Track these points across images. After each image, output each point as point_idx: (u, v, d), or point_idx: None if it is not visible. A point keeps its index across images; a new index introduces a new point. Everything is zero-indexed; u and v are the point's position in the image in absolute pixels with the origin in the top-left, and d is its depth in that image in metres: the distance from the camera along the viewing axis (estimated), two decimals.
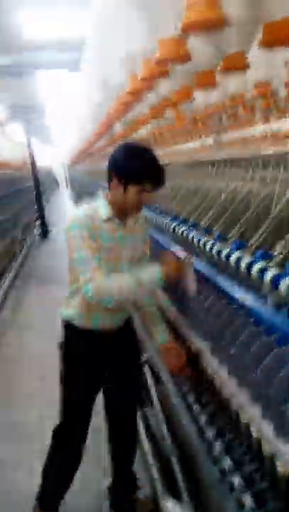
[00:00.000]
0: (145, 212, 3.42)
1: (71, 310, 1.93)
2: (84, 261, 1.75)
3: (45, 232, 10.69)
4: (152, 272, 1.81)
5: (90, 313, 1.90)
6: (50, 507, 2.09)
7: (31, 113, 17.99)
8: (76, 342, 1.94)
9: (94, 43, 3.13)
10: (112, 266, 1.83)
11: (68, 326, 1.96)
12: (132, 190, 1.75)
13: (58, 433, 2.05)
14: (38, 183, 11.21)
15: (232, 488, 1.62)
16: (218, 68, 1.65)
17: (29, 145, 10.91)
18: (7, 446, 2.87)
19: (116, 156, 1.81)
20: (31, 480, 2.55)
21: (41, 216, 10.97)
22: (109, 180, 1.82)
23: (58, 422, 2.05)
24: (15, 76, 10.77)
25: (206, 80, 1.78)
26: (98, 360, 1.95)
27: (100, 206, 1.83)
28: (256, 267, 1.49)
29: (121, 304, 1.85)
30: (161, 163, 1.81)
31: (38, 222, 11.18)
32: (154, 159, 1.79)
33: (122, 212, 1.84)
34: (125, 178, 1.75)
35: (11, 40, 9.54)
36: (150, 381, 2.90)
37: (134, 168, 1.74)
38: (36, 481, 2.50)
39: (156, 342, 2.06)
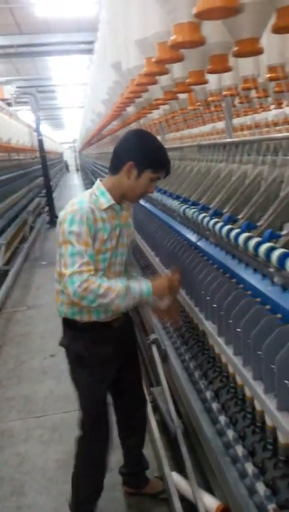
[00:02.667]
0: (155, 195, 3.49)
1: (69, 306, 1.83)
2: (76, 254, 1.67)
3: (53, 220, 9.87)
4: (143, 286, 1.78)
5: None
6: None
7: (43, 98, 17.93)
8: (82, 339, 1.86)
9: (107, 25, 3.13)
10: (109, 254, 1.81)
11: (70, 324, 1.88)
12: (146, 177, 1.76)
13: (82, 437, 1.97)
14: (47, 168, 10.59)
15: (235, 459, 1.70)
16: (231, 53, 1.67)
17: (38, 128, 10.19)
18: (18, 419, 2.99)
19: (132, 142, 1.80)
20: (41, 449, 2.69)
21: (49, 203, 10.50)
22: (118, 166, 1.77)
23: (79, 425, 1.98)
24: (27, 57, 10.72)
25: (220, 64, 1.80)
26: (107, 352, 1.87)
27: (100, 195, 1.78)
28: (263, 247, 1.53)
29: (103, 307, 1.72)
30: (162, 147, 1.85)
31: (46, 209, 10.70)
32: (164, 149, 1.85)
33: (122, 200, 1.84)
34: (143, 164, 1.74)
35: (23, 20, 9.49)
36: (157, 360, 2.98)
37: (152, 157, 1.77)
38: (45, 452, 2.64)
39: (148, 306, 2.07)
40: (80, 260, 1.67)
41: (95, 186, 1.84)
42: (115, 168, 1.80)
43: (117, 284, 1.70)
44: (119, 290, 1.69)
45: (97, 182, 1.85)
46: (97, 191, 1.80)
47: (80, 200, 1.77)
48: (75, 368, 1.93)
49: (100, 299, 1.67)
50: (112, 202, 1.79)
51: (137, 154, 1.75)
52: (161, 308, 1.96)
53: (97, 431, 1.98)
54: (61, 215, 1.76)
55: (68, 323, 1.89)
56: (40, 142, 10.19)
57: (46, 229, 9.83)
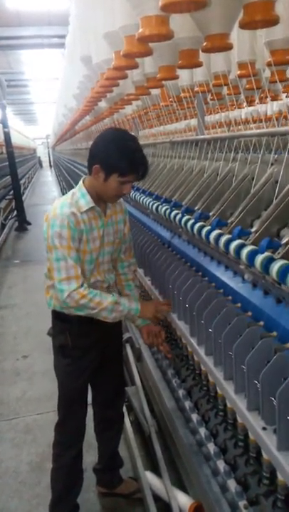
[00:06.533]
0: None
1: (58, 301, 1.82)
2: (61, 259, 1.69)
3: (22, 225, 9.08)
4: (132, 305, 1.82)
5: None
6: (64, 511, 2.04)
7: (16, 92, 17.58)
8: (68, 331, 1.86)
9: (77, 18, 3.08)
10: (95, 254, 1.81)
11: (59, 316, 1.89)
12: (114, 181, 1.71)
13: (58, 423, 1.99)
14: (15, 165, 9.18)
15: (207, 456, 1.70)
16: (201, 48, 1.66)
17: (4, 119, 8.81)
18: None
19: (99, 144, 1.72)
20: (13, 452, 2.63)
21: (18, 206, 9.16)
22: (89, 167, 1.74)
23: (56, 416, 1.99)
24: None
25: (190, 59, 1.79)
26: (92, 346, 1.89)
27: (80, 197, 1.76)
28: (233, 245, 1.53)
29: (90, 315, 1.76)
30: (144, 153, 1.75)
31: (14, 213, 9.17)
32: (138, 151, 1.71)
33: (101, 201, 1.80)
34: (108, 169, 1.68)
35: None
36: (131, 359, 2.96)
37: (117, 161, 1.66)
38: (17, 455, 2.59)
39: (136, 323, 2.07)
40: (64, 265, 1.69)
41: (77, 187, 1.82)
42: (88, 169, 1.78)
43: (107, 299, 1.74)
44: (108, 304, 1.73)
45: (80, 182, 1.82)
46: (78, 193, 1.78)
47: (61, 203, 1.76)
48: (57, 357, 1.94)
49: (89, 310, 1.73)
50: (92, 204, 1.76)
51: (102, 158, 1.69)
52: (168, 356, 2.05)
53: (73, 418, 1.98)
54: (46, 218, 1.75)
55: (57, 315, 1.91)
56: (7, 135, 8.82)
57: (15, 236, 8.79)
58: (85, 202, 1.76)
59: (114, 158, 1.66)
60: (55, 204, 1.77)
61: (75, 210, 1.73)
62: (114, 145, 1.68)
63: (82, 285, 1.70)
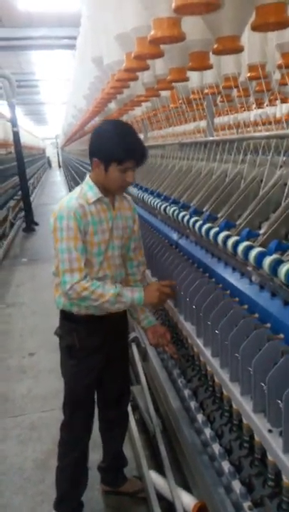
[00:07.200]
0: (136, 192, 3.48)
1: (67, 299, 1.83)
2: (65, 250, 1.71)
3: (30, 226, 9.05)
4: (135, 295, 1.81)
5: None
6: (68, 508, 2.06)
7: (26, 92, 17.66)
8: (76, 331, 1.87)
9: (88, 19, 3.10)
10: (104, 247, 1.82)
11: (66, 317, 1.89)
12: (114, 170, 1.73)
13: (64, 423, 2.00)
14: (23, 165, 9.15)
15: (212, 457, 1.70)
16: (212, 50, 1.66)
17: (13, 118, 8.69)
18: None
19: (93, 139, 1.76)
20: (19, 449, 2.65)
21: (26, 207, 9.11)
22: (90, 162, 1.78)
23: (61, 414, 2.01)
24: (8, 51, 10.48)
25: (200, 61, 1.80)
26: (99, 346, 1.90)
27: (88, 190, 1.79)
28: (241, 246, 1.53)
29: (93, 306, 1.78)
30: (139, 137, 1.77)
31: (22, 214, 9.06)
32: (131, 136, 1.73)
33: (108, 192, 1.82)
34: (105, 160, 1.71)
35: (5, 12, 9.32)
36: (137, 358, 2.97)
37: (112, 149, 1.69)
38: (24, 451, 2.61)
39: (142, 324, 2.08)
40: (68, 257, 1.71)
41: (84, 180, 1.85)
42: (90, 164, 1.81)
43: (109, 292, 1.75)
44: (110, 297, 1.74)
45: (87, 176, 1.85)
46: (85, 186, 1.82)
47: (69, 197, 1.80)
48: (64, 357, 1.95)
49: (90, 301, 1.75)
50: (100, 195, 1.79)
51: (98, 150, 1.73)
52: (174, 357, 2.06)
53: (79, 418, 1.98)
54: (52, 212, 1.78)
55: (65, 315, 1.91)
56: (16, 135, 8.74)
57: (23, 236, 8.84)
58: (93, 193, 1.79)
59: (107, 147, 1.70)
60: (63, 199, 1.81)
61: (83, 202, 1.76)
62: (106, 135, 1.72)
63: (85, 277, 1.72)
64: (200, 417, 1.85)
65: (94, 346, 1.89)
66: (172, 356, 2.15)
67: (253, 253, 1.45)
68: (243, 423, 1.53)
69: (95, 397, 2.07)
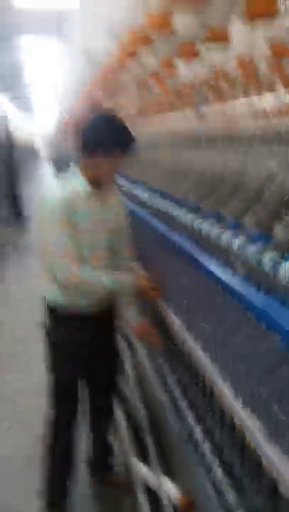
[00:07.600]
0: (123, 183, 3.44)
1: (55, 291, 1.85)
2: (58, 243, 1.72)
3: (18, 217, 8.85)
4: (127, 280, 1.86)
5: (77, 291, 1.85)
6: (57, 502, 2.07)
7: (12, 83, 17.37)
8: (63, 326, 1.89)
9: (78, 11, 3.07)
10: (93, 240, 1.82)
11: (53, 310, 1.90)
12: (102, 160, 1.73)
13: (52, 419, 2.02)
14: (12, 160, 8.93)
15: (197, 446, 1.70)
16: (201, 40, 1.65)
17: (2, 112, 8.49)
18: None
19: (82, 128, 1.78)
20: (9, 436, 2.64)
21: (13, 196, 8.93)
22: (80, 152, 1.80)
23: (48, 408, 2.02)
24: None
25: (189, 51, 1.78)
26: (86, 342, 1.91)
27: (76, 183, 1.79)
28: (226, 237, 1.53)
29: (89, 294, 1.85)
30: (126, 125, 1.78)
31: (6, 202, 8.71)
32: (118, 124, 1.75)
33: (97, 184, 1.81)
34: (92, 149, 1.73)
35: None
36: (124, 349, 2.96)
37: (100, 138, 1.71)
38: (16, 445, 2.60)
39: (128, 319, 2.09)
40: (59, 246, 1.72)
41: (71, 171, 1.84)
42: (79, 155, 1.81)
43: (100, 284, 1.79)
44: (100, 289, 1.81)
45: (74, 167, 1.84)
46: (73, 177, 1.81)
47: (57, 188, 1.81)
48: (49, 350, 1.95)
49: (81, 288, 1.80)
50: (88, 186, 1.78)
51: (84, 142, 1.75)
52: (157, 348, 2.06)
53: (65, 409, 2.00)
54: (39, 203, 1.79)
55: (51, 311, 1.90)
56: (6, 129, 8.43)
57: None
58: (81, 185, 1.78)
59: (92, 138, 1.72)
60: (51, 191, 1.82)
61: (70, 193, 1.75)
62: (94, 125, 1.75)
63: (76, 266, 1.73)
64: (184, 404, 1.84)
65: (83, 342, 1.89)
66: (156, 347, 2.15)
67: (237, 243, 1.43)
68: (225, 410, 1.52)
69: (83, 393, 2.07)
